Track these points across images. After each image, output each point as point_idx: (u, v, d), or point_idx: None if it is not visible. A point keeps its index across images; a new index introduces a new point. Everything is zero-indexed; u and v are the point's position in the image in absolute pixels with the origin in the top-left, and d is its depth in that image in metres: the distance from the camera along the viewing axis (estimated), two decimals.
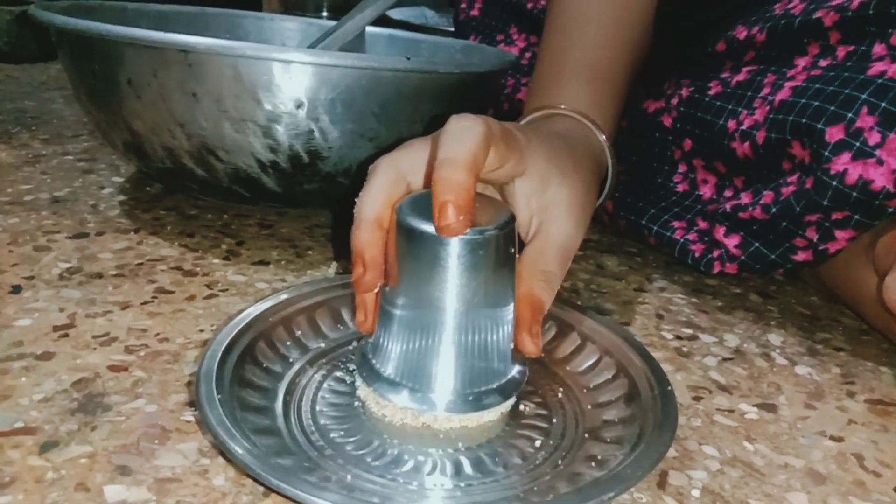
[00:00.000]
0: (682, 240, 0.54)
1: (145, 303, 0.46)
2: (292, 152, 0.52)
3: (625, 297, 0.54)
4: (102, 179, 0.69)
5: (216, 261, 0.53)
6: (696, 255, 0.53)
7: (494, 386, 0.34)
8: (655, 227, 0.56)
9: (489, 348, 0.34)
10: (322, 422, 0.35)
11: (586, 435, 0.36)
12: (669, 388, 0.37)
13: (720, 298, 0.56)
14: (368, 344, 0.36)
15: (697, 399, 0.42)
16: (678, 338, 0.49)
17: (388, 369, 0.34)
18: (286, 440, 0.33)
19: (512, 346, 0.35)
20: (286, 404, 0.36)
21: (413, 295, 0.33)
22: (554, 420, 0.37)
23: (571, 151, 0.42)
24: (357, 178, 0.55)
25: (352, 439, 0.34)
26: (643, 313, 0.52)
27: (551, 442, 0.35)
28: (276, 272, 0.52)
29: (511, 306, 0.35)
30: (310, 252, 0.56)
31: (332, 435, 0.35)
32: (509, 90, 0.75)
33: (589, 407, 0.38)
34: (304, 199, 0.57)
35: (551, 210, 0.39)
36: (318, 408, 0.36)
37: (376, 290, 0.35)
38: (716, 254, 0.52)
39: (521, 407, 0.38)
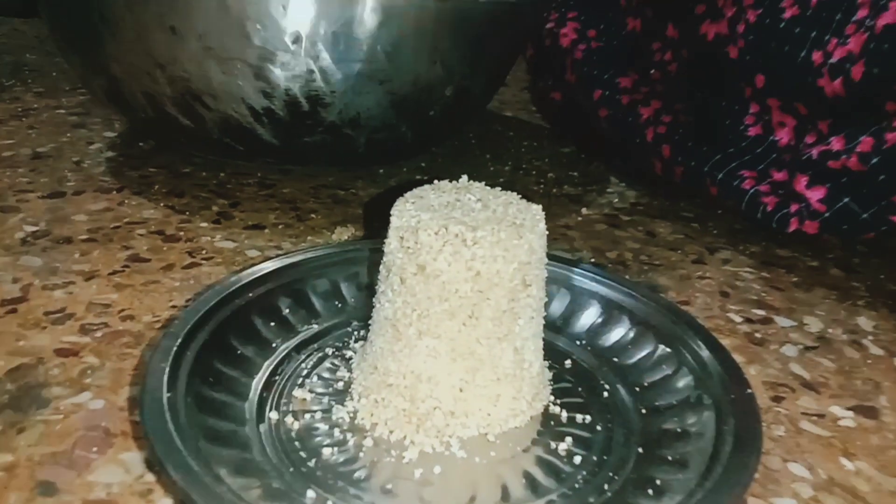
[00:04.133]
0: (751, 190, 0.45)
1: (114, 273, 0.39)
2: (289, 98, 0.44)
3: (682, 271, 0.46)
4: (93, 134, 0.62)
5: (204, 224, 0.46)
6: (769, 208, 0.44)
7: None
8: (720, 175, 0.46)
9: None
10: (307, 424, 0.28)
11: (640, 450, 0.28)
12: (749, 391, 0.29)
13: (795, 273, 0.47)
14: None
15: (777, 399, 0.34)
16: (748, 321, 0.41)
17: None
18: (253, 451, 0.26)
19: None
20: (261, 402, 0.29)
21: None
22: (598, 428, 0.29)
23: None
24: (367, 129, 0.47)
25: (341, 448, 0.27)
26: (705, 290, 0.43)
27: (595, 458, 0.28)
28: (271, 238, 0.45)
29: None
30: (313, 215, 0.48)
31: (315, 440, 0.27)
32: (552, 25, 0.65)
33: (643, 411, 0.30)
34: (306, 153, 0.49)
35: None
36: (302, 407, 0.29)
37: None
38: (793, 208, 0.43)
39: (556, 410, 0.30)
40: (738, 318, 0.41)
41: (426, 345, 0.28)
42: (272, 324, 0.33)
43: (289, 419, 0.28)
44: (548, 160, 0.64)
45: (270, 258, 0.38)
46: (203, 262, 0.41)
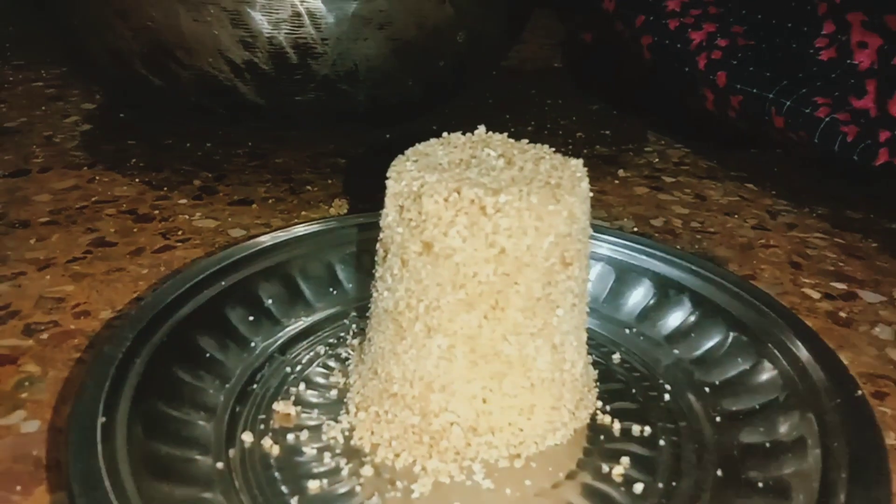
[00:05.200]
0: (826, 118, 0.37)
1: (73, 260, 0.34)
2: (273, 48, 0.38)
3: (741, 239, 0.39)
4: (70, 107, 0.56)
5: (182, 201, 0.40)
6: (849, 138, 0.37)
7: None
8: (788, 103, 0.39)
9: None
10: (290, 447, 0.22)
11: (720, 472, 0.22)
12: (859, 392, 0.22)
13: (874, 237, 0.40)
14: None
15: (879, 396, 0.27)
16: (828, 297, 0.34)
17: None
18: (216, 488, 0.20)
19: None
20: (233, 420, 0.23)
21: None
22: (660, 443, 0.23)
23: None
24: (366, 84, 0.41)
25: (333, 480, 0.21)
26: (771, 261, 0.37)
27: (661, 485, 0.21)
28: (259, 214, 0.39)
29: None
30: (308, 187, 0.42)
31: (299, 469, 0.21)
32: None
33: (717, 419, 0.24)
34: (298, 114, 0.43)
35: None
36: (285, 425, 0.23)
37: None
38: (882, 137, 0.36)
39: (606, 420, 0.24)
40: (815, 294, 0.34)
41: (438, 344, 0.21)
42: (251, 318, 0.27)
43: (267, 442, 0.22)
44: (575, 118, 0.57)
45: (254, 237, 0.32)
46: (178, 244, 0.35)
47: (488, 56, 0.49)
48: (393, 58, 0.40)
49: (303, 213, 0.39)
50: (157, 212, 0.39)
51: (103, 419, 0.20)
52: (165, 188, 0.41)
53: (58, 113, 0.54)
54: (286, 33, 0.37)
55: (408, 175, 0.22)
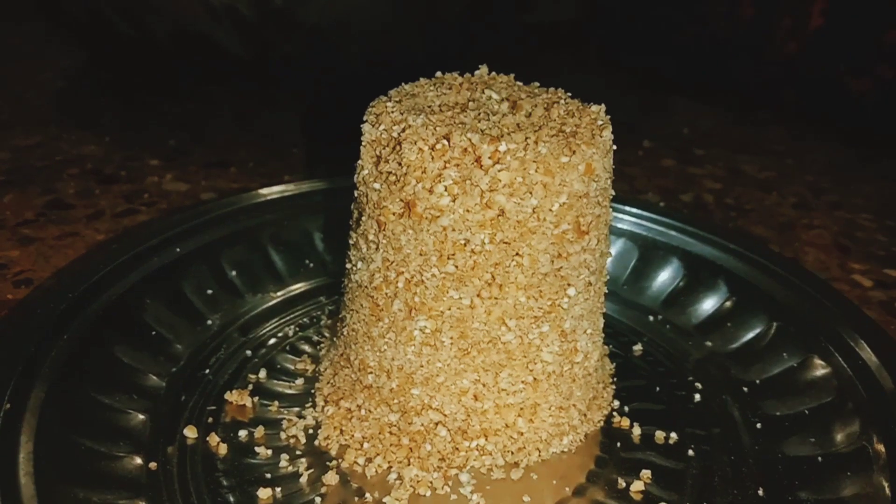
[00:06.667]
0: None
1: (24, 223, 0.30)
2: None
3: (781, 217, 0.34)
4: (47, 64, 0.52)
5: (154, 162, 0.36)
6: None
7: None
8: None
9: None
10: (241, 446, 0.18)
11: (761, 491, 0.17)
12: None
13: None
14: None
15: None
16: (881, 285, 0.30)
17: None
18: (144, 495, 0.16)
19: None
20: (175, 411, 0.19)
21: None
22: (689, 452, 0.19)
23: None
24: (361, 35, 0.36)
25: (289, 489, 0.17)
26: (816, 243, 0.32)
27: None
28: (237, 177, 0.35)
29: None
30: (295, 150, 0.38)
31: (250, 474, 0.18)
32: None
33: (758, 425, 0.20)
34: (286, 68, 0.39)
35: None
36: (238, 419, 0.19)
37: None
38: None
39: (625, 423, 0.20)
40: (866, 282, 0.30)
41: (420, 327, 0.17)
42: (209, 291, 0.23)
43: (213, 439, 0.18)
44: (595, 84, 0.52)
45: (230, 200, 0.28)
46: (142, 207, 0.31)
47: (502, 8, 0.45)
48: (390, 5, 0.36)
49: (285, 176, 0.35)
50: (123, 172, 0.35)
51: (8, 406, 0.16)
52: (136, 147, 0.37)
53: (35, 68, 0.51)
54: None
55: (387, 118, 0.17)
